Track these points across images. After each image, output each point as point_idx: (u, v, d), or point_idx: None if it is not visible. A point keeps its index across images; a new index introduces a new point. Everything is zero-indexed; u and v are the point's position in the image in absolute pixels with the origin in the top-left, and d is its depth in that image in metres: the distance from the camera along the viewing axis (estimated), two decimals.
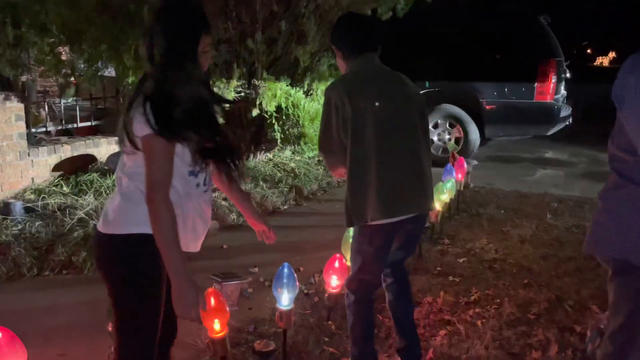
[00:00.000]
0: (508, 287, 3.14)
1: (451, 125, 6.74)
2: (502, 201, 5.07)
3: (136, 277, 1.50)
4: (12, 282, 3.17)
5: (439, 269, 3.42)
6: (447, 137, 6.75)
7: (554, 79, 6.26)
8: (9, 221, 3.73)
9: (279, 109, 5.94)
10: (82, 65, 4.75)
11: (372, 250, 2.06)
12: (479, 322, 2.71)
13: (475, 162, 5.57)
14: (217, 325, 1.98)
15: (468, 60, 6.63)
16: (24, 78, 4.73)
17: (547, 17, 6.63)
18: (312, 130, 6.12)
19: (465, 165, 4.60)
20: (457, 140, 6.64)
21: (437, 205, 3.61)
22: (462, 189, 4.60)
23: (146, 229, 1.44)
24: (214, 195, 1.64)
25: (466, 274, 3.34)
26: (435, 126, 6.81)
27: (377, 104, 1.97)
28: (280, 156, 5.97)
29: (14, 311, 2.79)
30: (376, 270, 2.13)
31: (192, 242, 1.60)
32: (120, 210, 1.50)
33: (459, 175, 4.40)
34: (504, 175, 6.28)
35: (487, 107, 6.57)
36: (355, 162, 1.98)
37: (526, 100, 6.40)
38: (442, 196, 3.77)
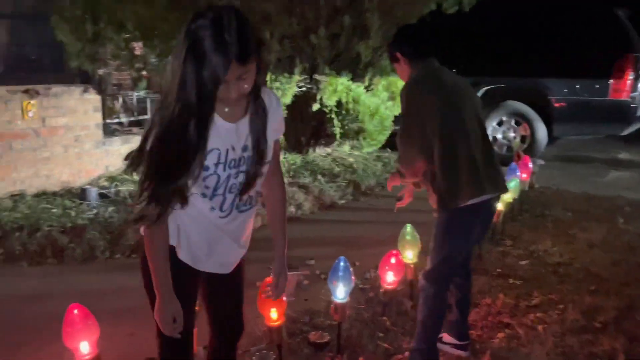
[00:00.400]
0: (573, 293, 3.01)
1: (517, 123, 6.51)
2: (569, 203, 4.84)
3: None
4: (87, 263, 3.41)
5: (499, 270, 3.33)
6: (512, 134, 6.52)
7: (631, 76, 5.88)
8: (85, 206, 4.01)
9: (339, 103, 5.96)
10: (154, 60, 4.98)
11: (462, 234, 2.16)
12: (540, 327, 2.62)
13: (541, 162, 5.36)
14: (274, 314, 2.04)
15: (536, 54, 6.35)
16: (100, 72, 5.03)
17: (625, 10, 6.23)
18: (372, 125, 6.10)
19: (531, 164, 4.44)
20: (522, 139, 6.41)
21: (500, 205, 3.51)
22: (527, 189, 4.44)
23: (170, 240, 1.47)
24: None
25: (528, 276, 3.24)
26: (500, 123, 6.59)
27: (453, 94, 2.15)
28: (339, 150, 6.00)
29: (88, 290, 3.00)
30: (461, 257, 2.23)
31: (207, 261, 1.54)
32: None
33: (524, 175, 4.25)
34: (572, 176, 6.00)
35: (557, 104, 6.28)
36: (446, 147, 2.08)
37: (600, 98, 6.06)
38: (505, 196, 3.66)
